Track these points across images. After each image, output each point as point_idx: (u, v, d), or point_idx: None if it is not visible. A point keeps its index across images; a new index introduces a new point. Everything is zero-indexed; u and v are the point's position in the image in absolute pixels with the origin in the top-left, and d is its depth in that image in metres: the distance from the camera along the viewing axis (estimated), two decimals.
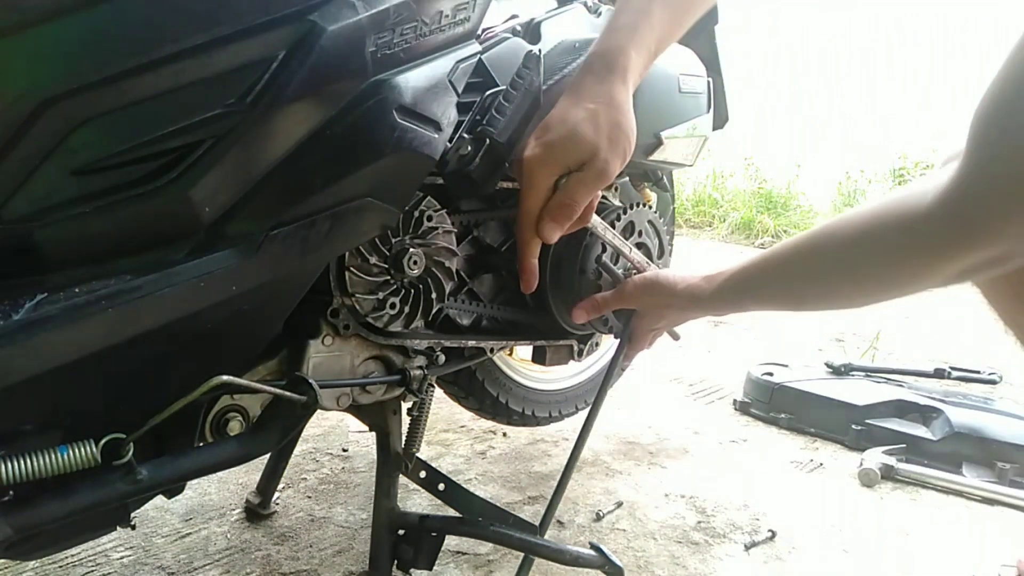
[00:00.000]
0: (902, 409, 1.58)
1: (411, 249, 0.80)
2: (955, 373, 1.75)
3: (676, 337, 1.10)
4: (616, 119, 0.73)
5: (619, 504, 1.24)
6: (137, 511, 0.67)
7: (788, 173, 5.08)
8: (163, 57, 0.51)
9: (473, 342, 0.94)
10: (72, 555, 1.02)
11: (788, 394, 1.66)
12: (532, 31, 0.95)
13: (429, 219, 0.83)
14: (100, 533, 0.66)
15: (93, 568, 1.00)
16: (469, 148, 0.76)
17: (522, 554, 0.92)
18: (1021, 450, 1.37)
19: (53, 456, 0.52)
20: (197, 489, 1.23)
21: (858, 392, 1.63)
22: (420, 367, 0.87)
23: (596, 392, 1.22)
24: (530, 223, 0.76)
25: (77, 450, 0.53)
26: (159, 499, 0.68)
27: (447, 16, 0.66)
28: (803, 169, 5.08)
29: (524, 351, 1.24)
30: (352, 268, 0.78)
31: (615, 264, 1.00)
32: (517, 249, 0.83)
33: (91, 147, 0.51)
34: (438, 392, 1.14)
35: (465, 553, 1.07)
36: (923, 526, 1.24)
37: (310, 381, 0.64)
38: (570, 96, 0.74)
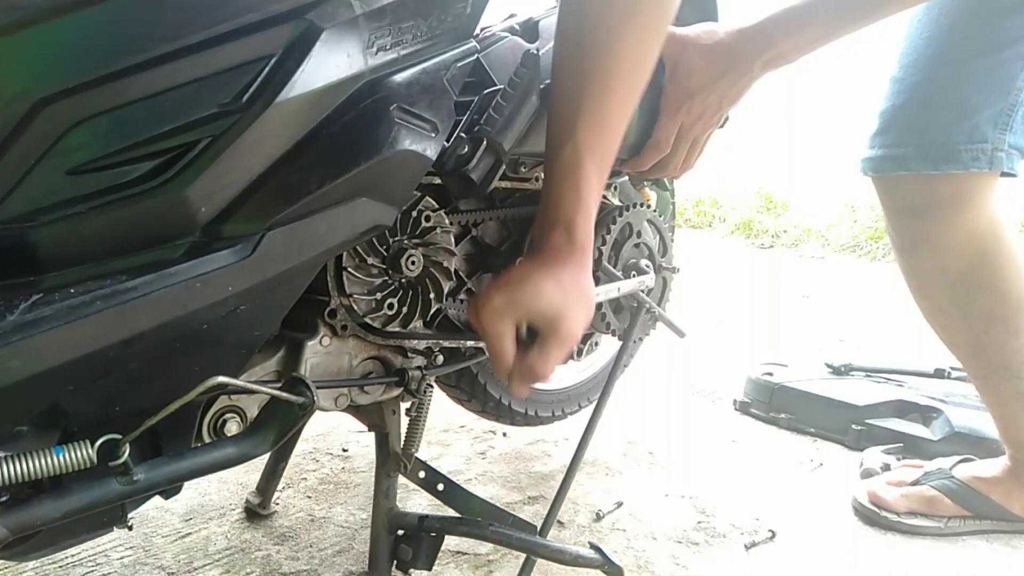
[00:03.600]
0: (902, 409, 1.57)
1: (409, 249, 0.80)
2: (955, 373, 1.74)
3: (681, 334, 1.10)
4: (580, 282, 0.71)
5: (619, 504, 1.24)
6: (137, 511, 0.67)
7: (789, 173, 5.07)
8: (159, 56, 0.51)
9: (472, 342, 0.94)
10: (72, 555, 1.02)
11: (788, 394, 1.66)
12: (530, 30, 0.95)
13: (427, 219, 0.83)
14: (97, 534, 0.66)
15: (93, 568, 1.00)
16: (467, 148, 0.76)
17: (522, 554, 0.92)
18: None
19: (49, 457, 0.52)
20: (197, 489, 1.23)
21: (858, 392, 1.62)
22: (418, 367, 0.87)
23: (599, 391, 1.22)
24: (502, 368, 0.72)
25: (73, 451, 0.53)
26: (159, 499, 0.68)
27: (444, 15, 0.66)
28: (805, 169, 5.07)
29: None
30: (350, 268, 0.78)
31: (614, 264, 0.99)
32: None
33: (87, 147, 0.51)
34: (437, 392, 1.14)
35: (465, 553, 1.07)
36: None
37: (307, 382, 0.64)
38: (533, 256, 0.72)
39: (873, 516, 1.22)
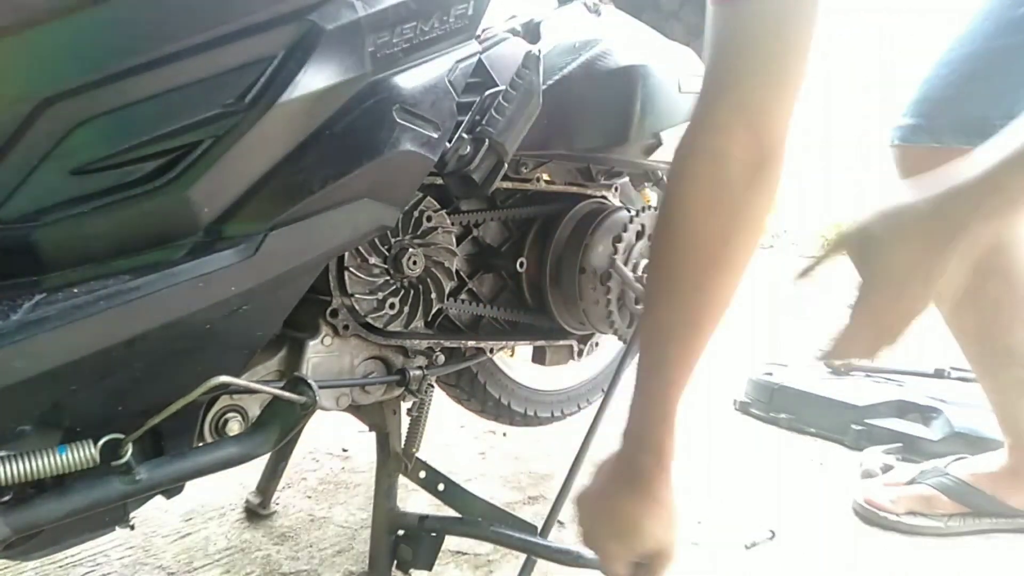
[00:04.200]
0: (902, 409, 1.58)
1: (410, 249, 0.80)
2: (955, 373, 1.74)
3: None
4: (668, 502, 0.74)
5: None
6: (137, 511, 0.67)
7: (790, 173, 5.06)
8: (162, 57, 0.51)
9: (472, 342, 0.94)
10: (72, 555, 1.02)
11: (788, 394, 1.66)
12: (532, 31, 0.95)
13: (428, 219, 0.83)
14: (99, 533, 0.66)
15: (93, 568, 1.00)
16: (468, 148, 0.76)
17: (521, 554, 0.92)
18: None
19: (52, 457, 0.52)
20: (197, 489, 1.23)
21: (858, 392, 1.63)
22: (419, 367, 0.87)
23: (598, 393, 1.21)
24: None
25: (76, 451, 0.53)
26: (159, 499, 0.68)
27: (446, 16, 0.66)
28: (806, 168, 5.07)
29: (524, 351, 1.24)
30: (351, 268, 0.78)
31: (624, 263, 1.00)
32: None
33: (90, 147, 0.51)
34: (438, 392, 1.14)
35: (465, 553, 1.07)
36: None
37: (309, 381, 0.64)
38: (623, 478, 0.75)
39: (873, 516, 1.23)
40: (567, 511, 1.21)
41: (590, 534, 0.76)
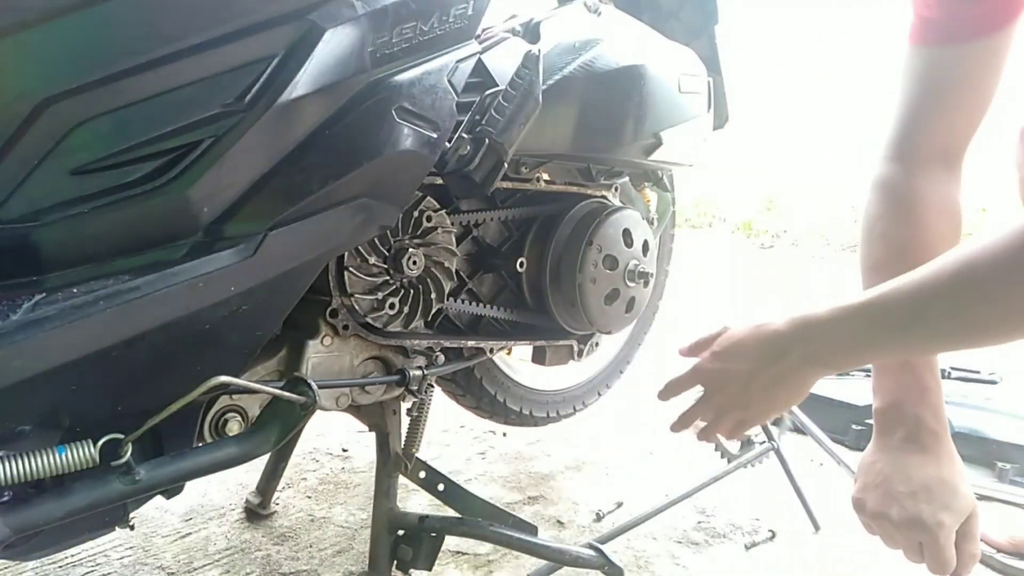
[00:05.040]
0: None
1: (410, 249, 0.80)
2: (955, 373, 1.74)
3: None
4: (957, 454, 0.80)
5: (619, 504, 1.24)
6: (137, 511, 0.67)
7: (791, 173, 5.08)
8: (162, 57, 0.51)
9: (472, 342, 0.94)
10: (72, 555, 1.02)
11: None
12: (531, 31, 0.95)
13: (428, 219, 0.83)
14: (99, 533, 0.66)
15: (93, 568, 1.00)
16: (468, 148, 0.76)
17: (522, 554, 0.92)
18: (1021, 450, 1.37)
19: (51, 456, 0.52)
20: (197, 489, 1.23)
21: (858, 392, 1.62)
22: (419, 367, 0.87)
23: (594, 394, 1.21)
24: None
25: (75, 450, 0.53)
26: (159, 499, 0.68)
27: (446, 16, 0.66)
28: (806, 168, 5.07)
29: (522, 350, 1.24)
30: (351, 268, 0.78)
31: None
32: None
33: (90, 147, 0.51)
34: (438, 392, 1.14)
35: (465, 553, 1.07)
36: None
37: (309, 381, 0.64)
38: (923, 454, 0.79)
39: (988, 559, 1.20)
40: (565, 508, 1.21)
41: (913, 521, 0.77)
